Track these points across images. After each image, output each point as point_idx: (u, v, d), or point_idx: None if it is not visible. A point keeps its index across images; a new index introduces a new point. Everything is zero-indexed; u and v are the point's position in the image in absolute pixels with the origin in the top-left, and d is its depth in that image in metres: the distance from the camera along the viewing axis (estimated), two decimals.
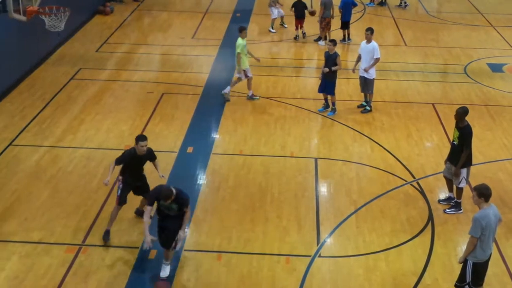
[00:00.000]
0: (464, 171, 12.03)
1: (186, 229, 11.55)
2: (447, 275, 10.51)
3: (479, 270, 9.34)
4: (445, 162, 12.45)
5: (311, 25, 23.28)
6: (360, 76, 16.66)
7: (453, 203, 12.40)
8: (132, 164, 11.05)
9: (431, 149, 14.95)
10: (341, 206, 12.53)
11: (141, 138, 10.90)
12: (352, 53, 21.08)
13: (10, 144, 14.61)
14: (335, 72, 16.17)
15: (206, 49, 21.70)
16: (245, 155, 14.46)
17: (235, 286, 10.25)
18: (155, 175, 11.50)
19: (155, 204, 10.00)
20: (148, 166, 11.37)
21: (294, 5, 22.78)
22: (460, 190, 12.21)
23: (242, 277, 10.44)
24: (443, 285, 10.32)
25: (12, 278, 10.28)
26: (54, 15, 16.00)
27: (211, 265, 10.72)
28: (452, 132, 12.28)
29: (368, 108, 16.73)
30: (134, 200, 11.62)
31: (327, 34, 22.03)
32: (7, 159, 13.99)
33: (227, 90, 17.25)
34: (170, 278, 10.32)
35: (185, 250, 11.01)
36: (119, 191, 11.14)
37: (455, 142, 12.06)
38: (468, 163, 12.03)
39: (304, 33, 22.93)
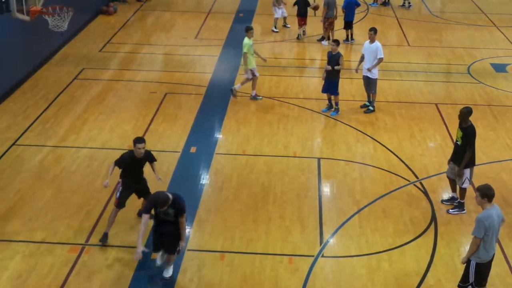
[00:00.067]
0: (467, 171, 12.02)
1: (187, 229, 11.59)
2: (450, 275, 10.50)
3: (482, 270, 9.34)
4: (448, 162, 12.44)
5: (315, 25, 23.29)
6: (364, 76, 16.66)
7: (456, 204, 12.39)
8: (132, 166, 10.98)
9: (434, 149, 14.94)
10: (344, 206, 12.53)
11: (138, 140, 10.82)
12: (355, 53, 21.07)
13: (13, 144, 14.64)
14: (338, 72, 16.16)
15: (209, 49, 21.71)
16: (248, 155, 14.47)
17: (238, 286, 10.25)
18: (154, 176, 11.46)
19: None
20: (147, 168, 11.34)
21: (296, 3, 22.83)
22: (463, 191, 12.19)
23: (245, 277, 10.44)
24: (446, 285, 10.31)
25: (16, 278, 10.30)
26: (58, 15, 16.01)
27: (214, 265, 10.72)
28: (456, 132, 12.27)
29: (371, 108, 16.72)
30: (136, 201, 11.60)
31: (330, 34, 22.04)
32: (10, 159, 14.01)
33: (237, 87, 17.30)
34: (173, 278, 10.34)
35: (188, 250, 11.01)
36: (118, 194, 11.11)
37: (458, 142, 12.04)
38: (471, 163, 12.02)
39: (304, 31, 22.95)
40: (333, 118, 16.31)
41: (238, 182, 13.34)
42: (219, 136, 15.45)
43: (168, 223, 9.90)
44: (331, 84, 16.28)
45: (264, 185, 13.20)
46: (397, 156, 14.46)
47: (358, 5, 22.81)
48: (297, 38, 22.78)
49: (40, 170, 13.59)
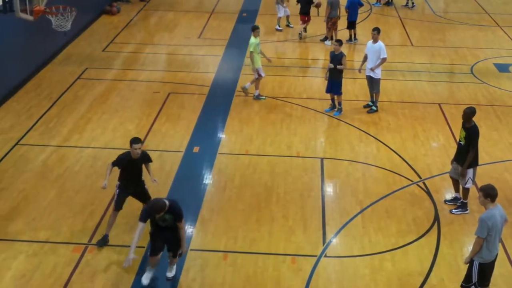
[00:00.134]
0: (470, 171, 12.01)
1: (190, 228, 11.60)
2: (453, 275, 10.50)
3: (485, 270, 9.34)
4: (452, 163, 12.43)
5: (318, 26, 23.30)
6: (367, 76, 16.66)
7: (459, 204, 12.38)
8: (129, 167, 10.93)
9: (437, 149, 14.93)
10: (347, 206, 12.53)
11: (134, 140, 10.75)
12: (358, 53, 21.06)
13: (17, 144, 14.66)
14: (340, 71, 16.15)
15: (212, 49, 21.72)
16: (251, 155, 14.47)
17: (240, 286, 10.26)
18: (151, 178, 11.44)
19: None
20: (144, 170, 11.34)
21: (299, 1, 22.89)
22: (466, 191, 12.19)
23: (248, 277, 10.44)
24: (449, 285, 10.30)
25: (19, 277, 10.31)
26: (61, 14, 16.04)
27: (217, 264, 10.72)
28: (459, 132, 12.26)
29: (374, 108, 16.72)
30: (138, 202, 11.60)
31: (333, 34, 22.03)
32: (14, 159, 14.03)
33: (247, 85, 17.32)
34: (176, 277, 10.35)
35: (191, 249, 11.02)
36: (115, 196, 11.10)
37: (461, 142, 12.04)
38: (474, 163, 12.01)
39: (304, 29, 22.99)
40: (336, 118, 16.30)
41: (241, 182, 13.34)
42: (222, 136, 15.46)
43: (166, 229, 9.84)
44: (334, 84, 16.28)
45: (267, 185, 13.21)
46: (400, 156, 14.45)
47: (361, 5, 22.80)
48: (299, 37, 22.78)
49: (43, 170, 13.62)
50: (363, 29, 23.13)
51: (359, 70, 17.01)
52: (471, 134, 11.81)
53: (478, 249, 9.15)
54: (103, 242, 11.10)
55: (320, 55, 21.59)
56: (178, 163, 13.98)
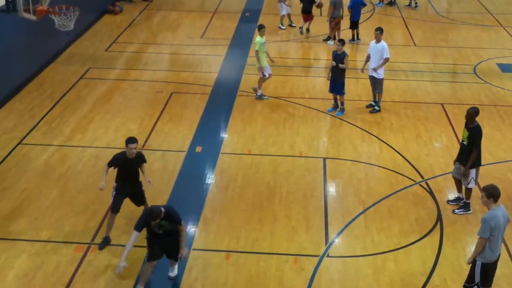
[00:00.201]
0: (473, 171, 12.00)
1: (193, 228, 11.60)
2: (455, 275, 10.49)
3: (488, 270, 9.33)
4: (454, 163, 12.41)
5: (321, 25, 23.30)
6: (370, 76, 16.64)
7: (462, 204, 12.37)
8: (125, 168, 10.92)
9: (440, 149, 14.91)
10: (349, 206, 12.52)
11: (130, 140, 10.75)
12: (361, 53, 21.05)
13: (19, 143, 14.68)
14: (343, 71, 16.14)
15: (215, 48, 21.71)
16: (253, 154, 14.47)
17: (243, 286, 10.26)
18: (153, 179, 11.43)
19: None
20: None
21: (301, 0, 22.97)
22: (469, 191, 12.17)
23: (250, 277, 10.44)
24: (452, 285, 10.29)
25: (22, 276, 10.33)
26: (64, 14, 16.04)
27: (219, 264, 10.72)
28: (462, 132, 12.24)
29: (377, 108, 16.70)
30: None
31: (336, 34, 22.02)
32: (16, 158, 14.05)
33: (256, 86, 17.32)
34: (178, 277, 10.35)
35: (193, 249, 11.02)
36: (112, 198, 11.08)
37: (464, 142, 12.02)
38: (477, 163, 12.00)
39: (307, 29, 23.03)
40: (339, 118, 16.29)
41: (244, 181, 13.34)
42: (224, 135, 15.46)
43: (162, 236, 9.80)
44: (336, 84, 16.27)
45: (270, 185, 13.20)
46: (402, 156, 14.43)
47: (364, 4, 22.79)
48: (300, 32, 22.86)
49: (46, 169, 13.63)
50: (366, 29, 23.12)
51: (362, 70, 16.99)
52: (474, 134, 11.80)
53: (480, 249, 9.14)
54: (105, 243, 11.10)
55: (323, 55, 21.58)
56: (180, 163, 13.98)
